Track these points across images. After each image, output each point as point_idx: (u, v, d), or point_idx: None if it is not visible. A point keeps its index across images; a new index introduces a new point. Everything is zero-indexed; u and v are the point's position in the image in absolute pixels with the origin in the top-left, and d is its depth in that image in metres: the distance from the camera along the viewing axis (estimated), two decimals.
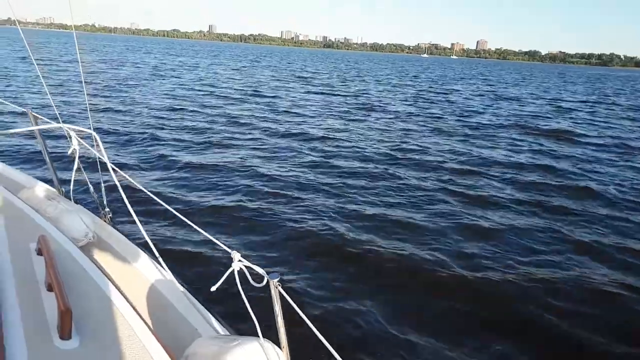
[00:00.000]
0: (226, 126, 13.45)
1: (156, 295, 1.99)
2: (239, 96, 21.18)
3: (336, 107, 19.82)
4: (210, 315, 1.85)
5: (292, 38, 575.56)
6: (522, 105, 24.77)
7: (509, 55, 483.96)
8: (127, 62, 39.12)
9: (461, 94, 30.29)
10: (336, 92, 26.05)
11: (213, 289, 1.65)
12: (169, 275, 2.08)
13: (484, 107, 22.61)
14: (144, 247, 2.29)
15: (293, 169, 9.16)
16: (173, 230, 5.62)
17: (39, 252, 1.79)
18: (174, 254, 4.95)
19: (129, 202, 2.34)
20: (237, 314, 2.65)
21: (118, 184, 2.43)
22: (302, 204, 7.03)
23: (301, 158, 10.14)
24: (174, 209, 2.35)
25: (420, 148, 11.93)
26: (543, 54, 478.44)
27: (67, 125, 2.85)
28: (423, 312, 4.30)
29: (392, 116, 17.77)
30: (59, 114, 3.11)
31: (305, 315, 1.44)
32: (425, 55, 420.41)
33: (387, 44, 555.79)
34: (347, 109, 19.12)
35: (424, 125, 15.87)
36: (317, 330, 1.42)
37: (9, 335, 1.29)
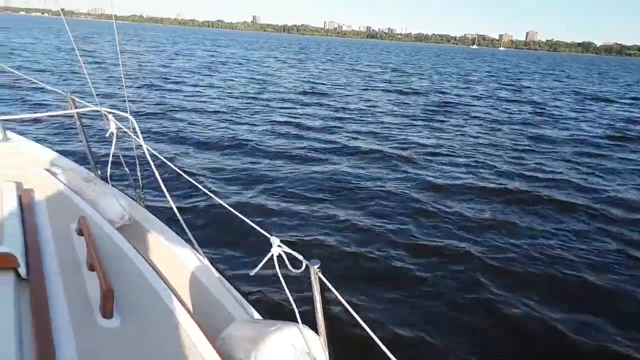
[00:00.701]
0: (271, 115, 13.18)
1: (190, 278, 1.99)
2: (295, 90, 19.71)
3: (409, 106, 17.58)
4: (244, 300, 1.86)
5: (335, 28, 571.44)
6: (621, 108, 21.58)
7: (561, 46, 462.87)
8: (175, 52, 38.45)
9: (543, 91, 27.26)
10: (402, 88, 23.61)
11: (252, 273, 1.71)
12: (203, 258, 2.13)
13: (576, 110, 19.85)
14: (178, 230, 2.36)
15: (348, 161, 8.87)
16: (208, 214, 5.60)
17: (80, 233, 1.80)
18: (208, 237, 4.95)
19: (164, 185, 2.44)
20: (272, 299, 3.70)
21: (154, 167, 2.54)
22: (348, 194, 6.88)
23: (369, 155, 9.48)
24: (210, 192, 2.43)
25: (531, 165, 9.58)
26: (598, 45, 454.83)
27: (105, 109, 2.93)
28: (465, 303, 4.17)
29: (478, 121, 15.25)
30: (99, 98, 3.19)
31: (346, 303, 1.43)
32: (474, 47, 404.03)
33: (433, 34, 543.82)
34: (423, 109, 17.11)
35: (522, 133, 13.34)
36: (359, 317, 1.40)
37: (55, 312, 1.30)
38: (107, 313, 1.35)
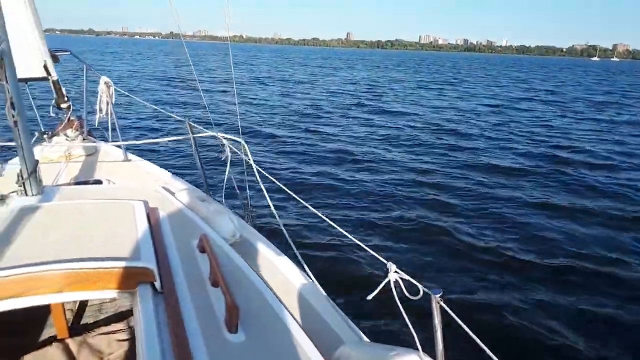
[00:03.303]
0: (391, 138, 12.73)
1: (298, 298, 2.02)
2: (425, 117, 16.96)
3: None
4: (351, 322, 1.88)
5: (431, 42, 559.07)
6: None
7: None
8: (280, 75, 36.52)
9: None
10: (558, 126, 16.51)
11: (369, 297, 1.68)
12: (310, 279, 2.16)
13: None
14: (286, 248, 2.43)
15: (480, 184, 8.49)
16: (317, 235, 5.74)
17: (201, 250, 1.87)
18: (316, 257, 5.03)
19: (273, 206, 2.66)
20: (384, 324, 3.82)
21: (263, 187, 2.75)
22: (471, 221, 6.64)
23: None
24: (323, 214, 2.44)
25: None
26: None
27: (221, 134, 3.18)
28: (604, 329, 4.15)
29: None
30: (213, 122, 3.72)
31: (471, 333, 1.41)
32: (595, 59, 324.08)
33: (536, 46, 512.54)
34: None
35: None
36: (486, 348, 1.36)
37: (188, 325, 1.36)
38: (232, 328, 1.39)
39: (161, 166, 3.58)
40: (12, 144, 2.35)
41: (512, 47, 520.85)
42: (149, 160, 3.71)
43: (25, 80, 3.46)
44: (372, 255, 1.87)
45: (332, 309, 1.93)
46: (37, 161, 2.18)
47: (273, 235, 2.74)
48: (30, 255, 1.45)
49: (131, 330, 2.57)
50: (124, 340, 2.51)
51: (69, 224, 1.75)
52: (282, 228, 2.52)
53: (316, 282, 2.13)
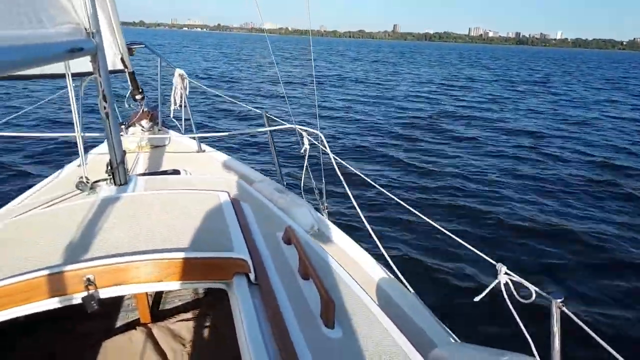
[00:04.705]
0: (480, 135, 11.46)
1: (384, 295, 1.92)
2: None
3: None
4: (441, 323, 1.78)
5: (481, 35, 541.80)
6: None
7: None
8: (348, 68, 34.50)
9: None
10: None
11: (476, 299, 1.65)
12: (395, 276, 2.09)
13: None
14: (367, 243, 2.37)
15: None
16: (402, 230, 5.38)
17: (287, 242, 1.82)
18: (402, 254, 4.77)
19: (353, 198, 2.59)
20: (485, 327, 3.55)
21: (343, 179, 2.68)
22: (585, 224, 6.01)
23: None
24: (411, 207, 2.42)
25: None
26: None
27: (299, 126, 3.15)
28: None
29: None
30: (291, 114, 3.67)
31: (603, 343, 1.33)
32: None
33: (593, 39, 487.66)
34: None
35: None
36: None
37: (286, 319, 1.31)
38: (329, 323, 1.33)
39: (234, 158, 3.57)
40: (69, 134, 3.20)
41: (567, 41, 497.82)
42: (222, 151, 3.72)
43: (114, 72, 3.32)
44: (474, 254, 1.85)
45: (421, 308, 1.82)
46: (124, 151, 2.24)
47: (351, 229, 2.72)
48: (125, 245, 1.45)
49: (209, 317, 2.55)
50: (202, 326, 2.49)
51: (159, 214, 1.73)
52: (365, 221, 2.47)
53: (403, 279, 2.06)
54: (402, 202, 2.45)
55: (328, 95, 17.71)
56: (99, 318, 2.50)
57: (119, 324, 2.56)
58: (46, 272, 1.29)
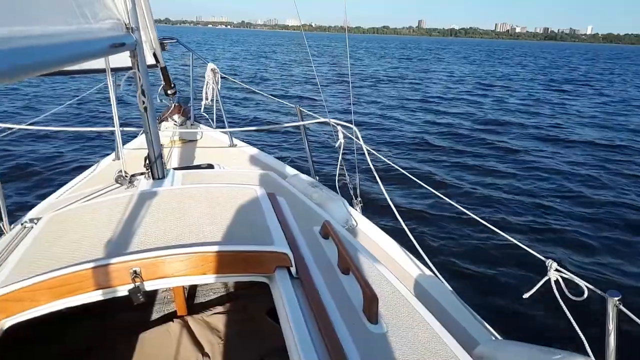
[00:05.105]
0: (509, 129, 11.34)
1: (421, 291, 1.96)
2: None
3: None
4: (483, 321, 1.79)
5: (508, 30, 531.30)
6: None
7: None
8: (376, 65, 33.15)
9: None
10: None
11: (525, 296, 1.64)
12: (432, 271, 2.08)
13: None
14: (401, 238, 2.34)
15: None
16: (439, 225, 5.24)
17: (325, 236, 1.79)
18: (439, 250, 4.65)
19: (387, 193, 2.59)
20: (531, 325, 3.42)
21: (377, 175, 2.71)
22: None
23: None
24: (445, 200, 2.40)
25: None
26: None
27: (334, 120, 3.12)
28: None
29: None
30: (327, 109, 3.47)
31: None
32: None
33: (625, 34, 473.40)
34: None
35: None
36: None
37: (330, 314, 1.29)
38: (372, 318, 1.30)
39: (266, 152, 3.54)
40: (105, 129, 3.40)
41: (598, 36, 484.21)
42: (254, 145, 3.70)
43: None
44: (519, 250, 1.86)
45: (459, 304, 1.83)
46: (162, 145, 2.27)
47: (385, 223, 2.86)
48: (168, 238, 1.47)
49: (243, 310, 2.55)
50: (237, 319, 2.48)
51: (198, 207, 1.73)
52: (398, 216, 2.44)
53: (439, 275, 2.05)
54: (441, 196, 2.41)
55: (359, 92, 17.31)
56: (136, 310, 2.42)
57: (155, 316, 2.55)
58: (94, 264, 1.32)
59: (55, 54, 1.21)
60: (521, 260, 4.24)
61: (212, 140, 3.76)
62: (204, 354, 2.27)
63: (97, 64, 2.09)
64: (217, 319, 2.49)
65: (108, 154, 3.40)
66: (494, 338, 1.65)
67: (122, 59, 2.07)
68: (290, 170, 3.09)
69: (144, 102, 2.07)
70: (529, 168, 7.92)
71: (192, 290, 2.80)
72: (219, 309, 2.57)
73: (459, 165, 7.92)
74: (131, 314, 2.44)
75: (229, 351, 2.31)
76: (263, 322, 2.30)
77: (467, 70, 32.07)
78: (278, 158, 3.41)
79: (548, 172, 7.67)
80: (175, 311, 2.54)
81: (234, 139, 3.72)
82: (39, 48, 1.15)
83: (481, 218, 2.11)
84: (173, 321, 2.42)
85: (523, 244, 1.85)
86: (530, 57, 59.43)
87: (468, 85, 21.89)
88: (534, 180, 7.22)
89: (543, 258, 1.65)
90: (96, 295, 1.31)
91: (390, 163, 2.80)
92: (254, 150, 3.59)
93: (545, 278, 1.57)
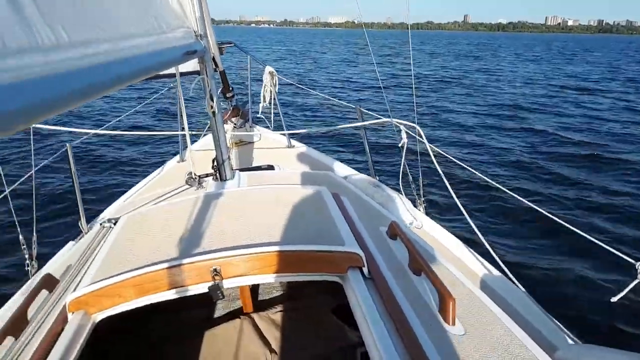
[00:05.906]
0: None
1: (491, 291, 1.88)
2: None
3: None
4: (559, 324, 1.72)
5: (559, 23, 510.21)
6: None
7: None
8: (429, 63, 31.20)
9: None
10: None
11: (614, 299, 1.55)
12: (504, 273, 2.03)
13: None
14: (469, 239, 2.31)
15: None
16: (511, 225, 5.06)
17: (392, 237, 1.78)
18: (510, 251, 4.48)
19: (455, 193, 2.51)
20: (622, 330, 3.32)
21: (442, 175, 2.63)
22: None
23: None
24: (518, 199, 2.33)
25: None
26: None
27: (397, 120, 3.08)
28: None
29: None
30: (389, 109, 3.41)
31: None
32: None
33: None
34: None
35: None
36: None
37: (406, 315, 1.26)
38: (449, 319, 1.28)
39: (325, 153, 3.52)
40: (174, 132, 3.51)
41: None
42: (312, 147, 3.72)
43: (199, 73, 3.16)
44: (601, 253, 1.74)
45: (534, 306, 1.78)
46: (229, 148, 2.33)
47: (451, 224, 2.69)
48: (243, 238, 1.49)
49: (307, 309, 2.50)
50: (302, 317, 2.44)
51: (267, 208, 1.76)
52: (467, 216, 2.37)
53: (511, 276, 2.00)
54: (515, 195, 2.34)
55: (418, 93, 16.86)
56: (204, 307, 2.47)
57: (222, 312, 2.53)
58: (176, 262, 1.36)
59: (144, 64, 1.26)
60: (604, 262, 4.10)
61: (270, 142, 3.81)
62: (271, 350, 2.20)
63: (168, 69, 2.03)
64: (282, 316, 2.45)
65: (173, 155, 3.54)
66: (572, 342, 1.58)
67: (186, 65, 2.22)
68: (350, 171, 3.12)
69: (212, 107, 2.17)
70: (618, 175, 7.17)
71: (255, 288, 2.75)
72: (284, 306, 2.51)
73: (530, 168, 7.45)
74: (199, 310, 2.44)
75: (295, 348, 2.23)
76: (328, 321, 2.25)
77: (531, 69, 29.18)
78: (336, 159, 3.41)
79: None
80: (241, 308, 2.50)
81: (292, 140, 3.75)
82: (134, 58, 1.21)
83: (555, 215, 2.03)
84: (240, 318, 2.39)
85: (609, 246, 1.77)
86: (596, 53, 55.01)
87: (537, 87, 19.44)
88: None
89: (632, 261, 1.61)
90: (178, 292, 1.34)
91: (458, 162, 2.79)
92: (312, 151, 3.64)
93: (636, 281, 1.52)
